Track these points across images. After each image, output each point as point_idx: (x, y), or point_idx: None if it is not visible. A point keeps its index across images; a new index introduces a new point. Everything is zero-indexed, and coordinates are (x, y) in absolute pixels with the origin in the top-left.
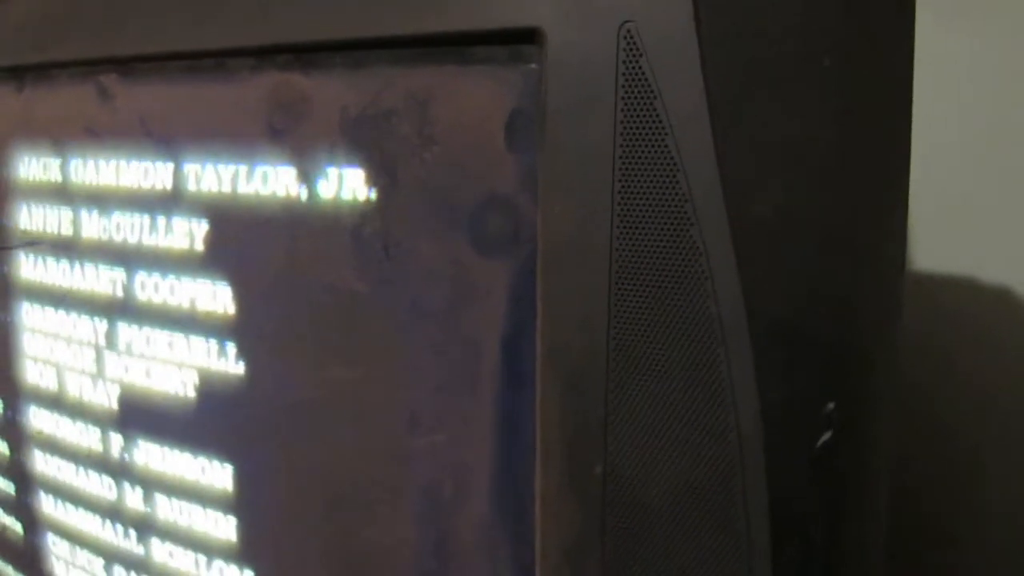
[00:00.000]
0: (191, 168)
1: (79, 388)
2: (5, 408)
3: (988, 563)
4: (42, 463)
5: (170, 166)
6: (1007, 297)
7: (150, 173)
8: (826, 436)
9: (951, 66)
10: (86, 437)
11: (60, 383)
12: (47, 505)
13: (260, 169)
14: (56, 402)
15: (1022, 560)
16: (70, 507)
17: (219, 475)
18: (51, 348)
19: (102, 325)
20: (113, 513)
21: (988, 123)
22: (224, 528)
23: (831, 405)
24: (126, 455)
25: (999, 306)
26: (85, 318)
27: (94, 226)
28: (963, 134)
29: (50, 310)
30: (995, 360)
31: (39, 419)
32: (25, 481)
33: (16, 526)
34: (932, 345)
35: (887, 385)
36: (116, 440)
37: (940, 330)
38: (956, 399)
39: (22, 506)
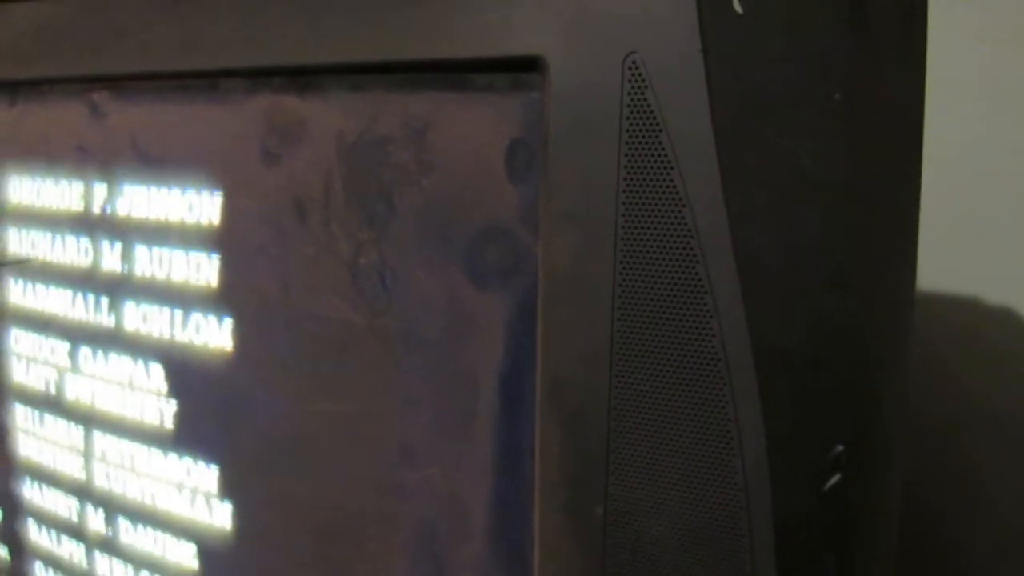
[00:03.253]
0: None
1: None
2: None
3: (994, 574)
4: (15, 241)
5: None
6: (1011, 315)
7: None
8: (835, 479)
9: (957, 86)
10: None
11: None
12: (14, 294)
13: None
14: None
15: None
16: (39, 287)
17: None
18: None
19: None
20: (85, 280)
21: (992, 142)
22: (206, 271)
23: (839, 447)
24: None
25: (1003, 323)
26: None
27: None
28: (967, 152)
29: None
30: (1000, 376)
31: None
32: None
33: None
34: (937, 362)
35: (898, 420)
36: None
37: (945, 347)
38: (961, 414)
39: None
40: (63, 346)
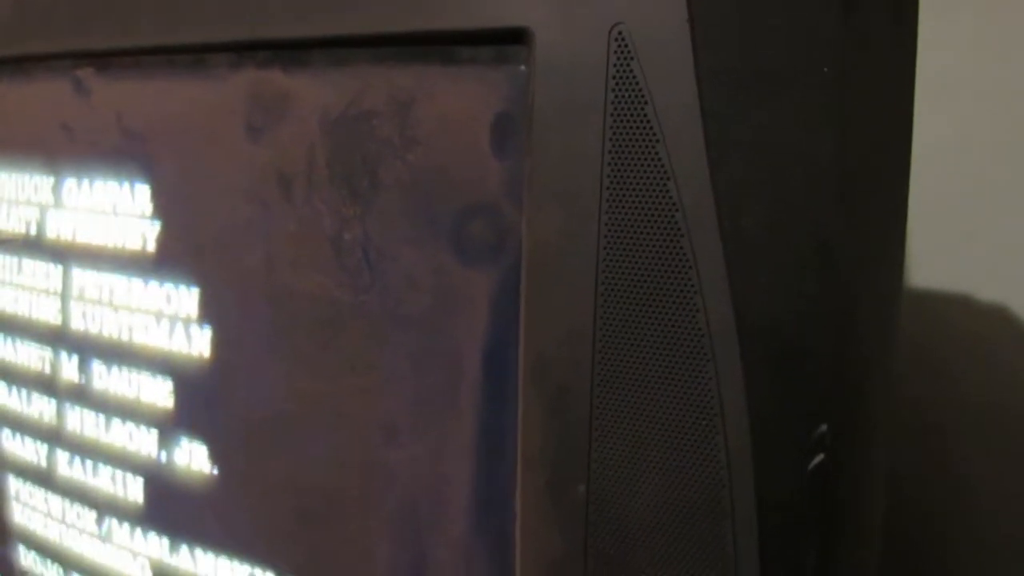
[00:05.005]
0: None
1: None
2: None
3: (984, 572)
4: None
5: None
6: (1005, 313)
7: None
8: (818, 459)
9: (952, 81)
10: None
11: None
12: None
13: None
14: None
15: (1018, 573)
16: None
17: None
18: None
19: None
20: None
21: (985, 137)
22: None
23: (824, 427)
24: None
25: (997, 322)
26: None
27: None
28: (961, 149)
29: None
30: (993, 375)
31: None
32: None
33: None
34: (930, 360)
35: (884, 404)
36: None
37: (938, 345)
38: (954, 412)
39: None
40: (47, 181)
